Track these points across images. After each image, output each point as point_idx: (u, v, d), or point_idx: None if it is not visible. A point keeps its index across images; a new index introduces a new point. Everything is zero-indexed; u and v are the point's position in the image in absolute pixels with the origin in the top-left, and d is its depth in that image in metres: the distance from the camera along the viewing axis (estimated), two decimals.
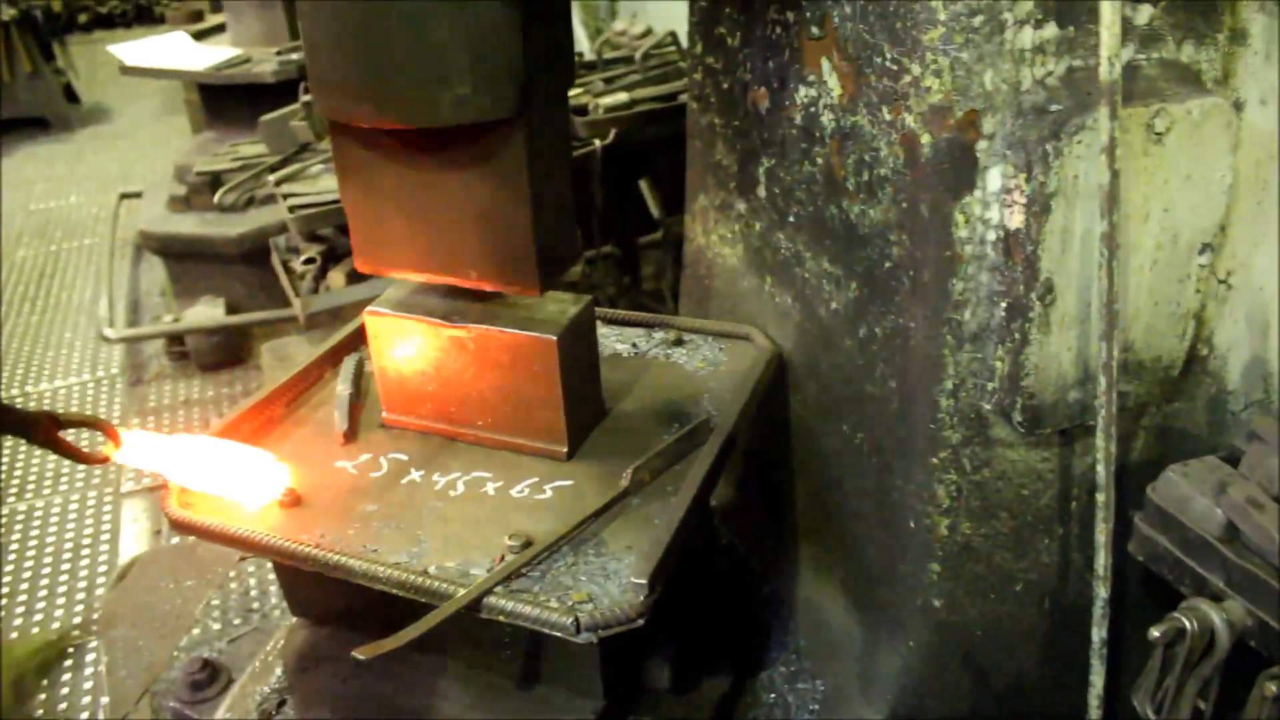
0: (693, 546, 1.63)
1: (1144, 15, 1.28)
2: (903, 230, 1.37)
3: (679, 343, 1.78)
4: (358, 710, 1.51)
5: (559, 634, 1.17)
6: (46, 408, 3.82)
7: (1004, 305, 1.33)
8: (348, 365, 1.71)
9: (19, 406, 1.33)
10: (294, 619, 1.64)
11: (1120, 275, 1.32)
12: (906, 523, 1.51)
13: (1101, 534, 1.39)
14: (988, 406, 1.41)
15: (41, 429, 1.31)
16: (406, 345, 1.52)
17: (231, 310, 3.86)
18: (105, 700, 2.14)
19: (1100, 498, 1.38)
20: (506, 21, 1.20)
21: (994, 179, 1.29)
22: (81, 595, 2.85)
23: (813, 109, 1.48)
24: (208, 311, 3.87)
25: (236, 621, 2.26)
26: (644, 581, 1.19)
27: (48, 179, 6.35)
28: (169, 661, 2.10)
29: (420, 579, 1.24)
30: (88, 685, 2.49)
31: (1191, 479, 1.30)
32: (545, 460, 1.49)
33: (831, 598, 1.75)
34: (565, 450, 1.48)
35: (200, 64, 4.09)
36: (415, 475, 1.48)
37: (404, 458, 1.52)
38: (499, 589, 1.23)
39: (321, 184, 2.96)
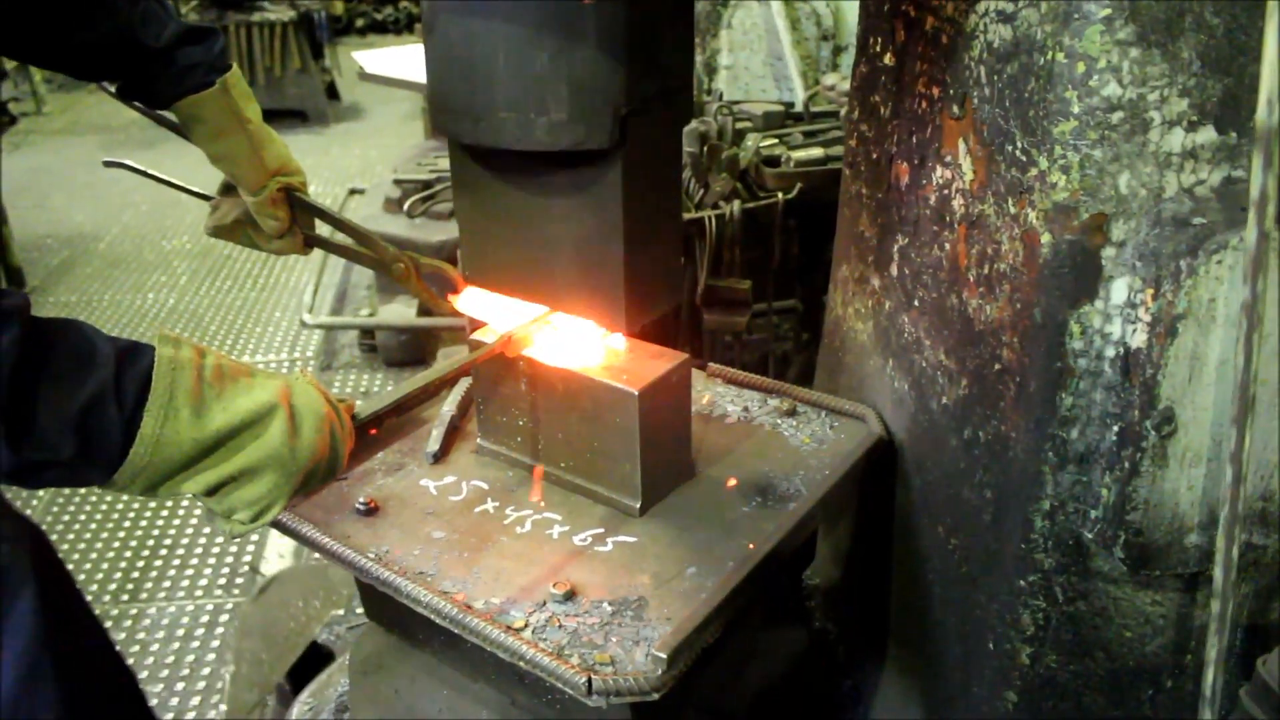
0: (750, 624, 1.59)
1: None
2: (1015, 333, 1.28)
3: (792, 413, 1.73)
4: None
5: (570, 691, 1.15)
6: None
7: (1116, 429, 1.22)
8: (460, 388, 1.75)
9: (385, 244, 1.67)
10: (368, 622, 1.69)
11: (1265, 415, 1.19)
12: (986, 643, 1.40)
13: (1208, 712, 1.25)
14: (1089, 535, 1.29)
15: (403, 266, 1.66)
16: (504, 375, 1.54)
17: (423, 313, 4.08)
18: (224, 708, 2.28)
19: (1210, 654, 1.24)
20: (608, 54, 1.21)
21: (1119, 291, 1.18)
22: (211, 563, 3.06)
23: (946, 191, 1.41)
24: (400, 310, 4.10)
25: (340, 612, 2.35)
26: (664, 656, 1.15)
27: None
28: (283, 675, 2.21)
29: (453, 609, 1.25)
30: (202, 685, 2.66)
31: None
32: (616, 513, 1.47)
33: (909, 706, 1.65)
34: (638, 505, 1.46)
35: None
36: (490, 506, 1.50)
37: (484, 486, 1.54)
38: (527, 634, 1.23)
39: None
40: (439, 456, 1.61)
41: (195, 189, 1.75)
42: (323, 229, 1.70)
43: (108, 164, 1.80)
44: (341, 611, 2.41)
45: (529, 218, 1.39)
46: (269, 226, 1.60)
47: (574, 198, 1.34)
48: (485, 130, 1.30)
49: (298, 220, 1.63)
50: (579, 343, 1.51)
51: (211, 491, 1.23)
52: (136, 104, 1.60)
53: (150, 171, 1.76)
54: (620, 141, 1.27)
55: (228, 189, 1.65)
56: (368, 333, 4.22)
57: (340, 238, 1.70)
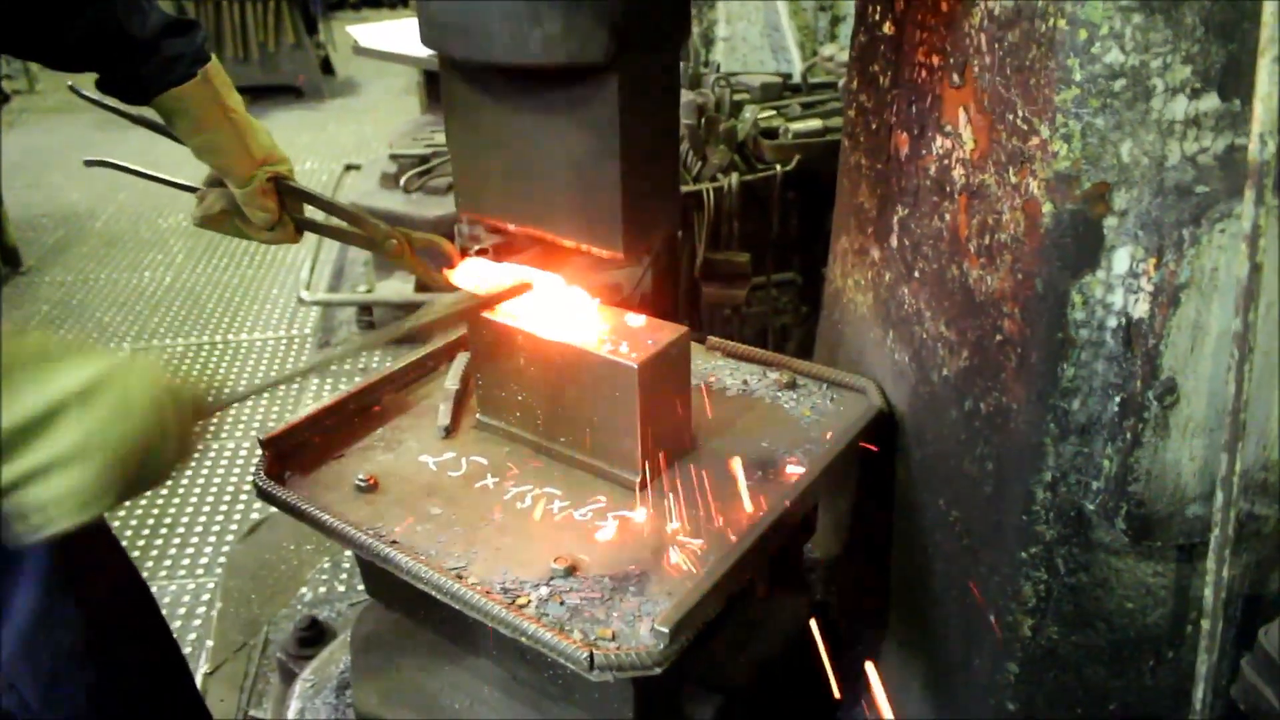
0: (751, 598, 1.59)
1: None
2: (1016, 303, 1.27)
3: (791, 386, 1.72)
4: (400, 699, 1.54)
5: (572, 666, 1.15)
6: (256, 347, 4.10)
7: (1118, 400, 1.22)
8: (460, 361, 1.75)
9: (376, 222, 1.64)
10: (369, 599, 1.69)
11: (1264, 383, 1.18)
12: (987, 615, 1.40)
13: (1203, 667, 1.26)
14: (1090, 506, 1.29)
15: (395, 243, 1.63)
16: (503, 350, 1.53)
17: (420, 288, 4.06)
18: (210, 644, 2.28)
19: (1205, 626, 1.24)
20: None
21: (1120, 260, 1.18)
22: (212, 542, 3.06)
23: (946, 161, 1.40)
24: (397, 287, 4.08)
25: (341, 589, 2.36)
26: (666, 630, 1.15)
27: (290, 144, 6.87)
28: (271, 618, 2.21)
29: (455, 585, 1.25)
30: (197, 625, 2.66)
31: None
32: (617, 487, 1.47)
33: (910, 679, 1.66)
34: (638, 480, 1.46)
35: (424, 50, 4.31)
36: (490, 482, 1.50)
37: (484, 461, 1.54)
38: (530, 610, 1.23)
39: None
40: (451, 430, 1.62)
41: (180, 181, 1.73)
42: (314, 212, 1.69)
43: (89, 163, 1.78)
44: (329, 563, 2.40)
45: (523, 139, 1.35)
46: (258, 218, 1.59)
47: (569, 116, 1.30)
48: (477, 45, 1.25)
49: (287, 207, 1.62)
50: (577, 316, 1.50)
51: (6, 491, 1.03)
52: (109, 102, 1.58)
53: (133, 167, 1.74)
54: (616, 56, 1.22)
55: (214, 180, 1.63)
56: (365, 309, 4.21)
57: (331, 220, 1.69)
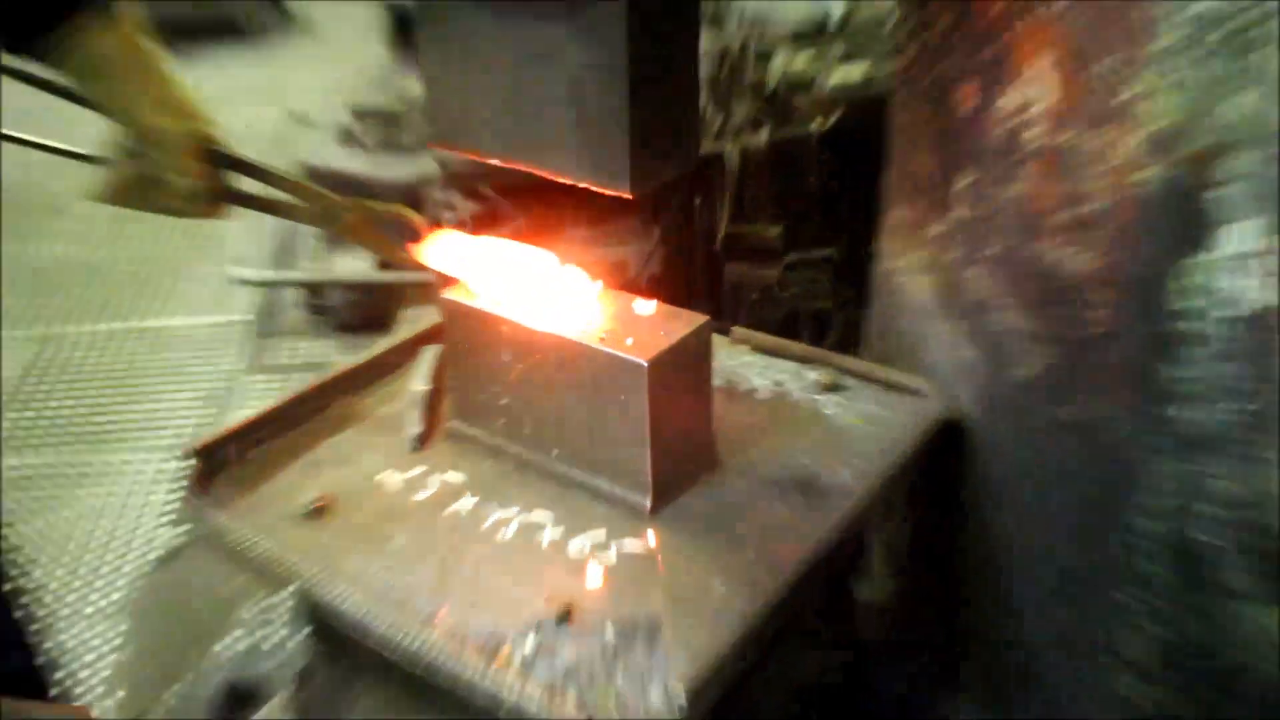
0: (787, 648, 1.57)
1: None
2: (1108, 289, 1.26)
3: (835, 388, 1.71)
4: None
5: None
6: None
7: (1235, 407, 1.20)
8: (427, 358, 1.74)
9: (327, 194, 1.58)
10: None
11: None
12: (1076, 670, 1.39)
13: None
14: (1204, 539, 1.27)
15: (352, 218, 1.57)
16: (483, 343, 1.52)
17: (383, 266, 4.02)
18: (121, 694, 2.26)
19: None
20: None
21: (1232, 238, 1.16)
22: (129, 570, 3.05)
23: (1022, 117, 1.38)
24: (354, 264, 4.04)
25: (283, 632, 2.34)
26: (683, 693, 1.14)
27: (229, 94, 6.85)
28: (193, 668, 2.19)
29: (419, 644, 1.24)
30: (106, 671, 2.65)
31: None
32: (622, 511, 1.45)
33: None
34: (648, 503, 1.44)
35: None
36: (465, 504, 1.48)
37: (460, 480, 1.53)
38: (516, 666, 1.22)
39: None
40: (420, 441, 1.61)
41: (77, 150, 1.71)
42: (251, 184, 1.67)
43: None
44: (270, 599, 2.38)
45: (518, 62, 1.35)
46: (183, 187, 1.57)
47: (571, 33, 1.28)
48: None
49: (216, 176, 1.61)
50: (574, 302, 1.49)
51: None
52: (16, 67, 1.57)
53: (18, 135, 1.72)
54: None
55: (122, 145, 1.61)
56: (316, 290, 4.18)
57: (271, 191, 1.67)
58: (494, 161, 1.46)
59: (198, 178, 1.58)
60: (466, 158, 1.63)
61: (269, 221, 4.58)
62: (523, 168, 1.43)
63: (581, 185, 1.38)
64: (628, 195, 1.35)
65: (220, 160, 1.59)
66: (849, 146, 2.91)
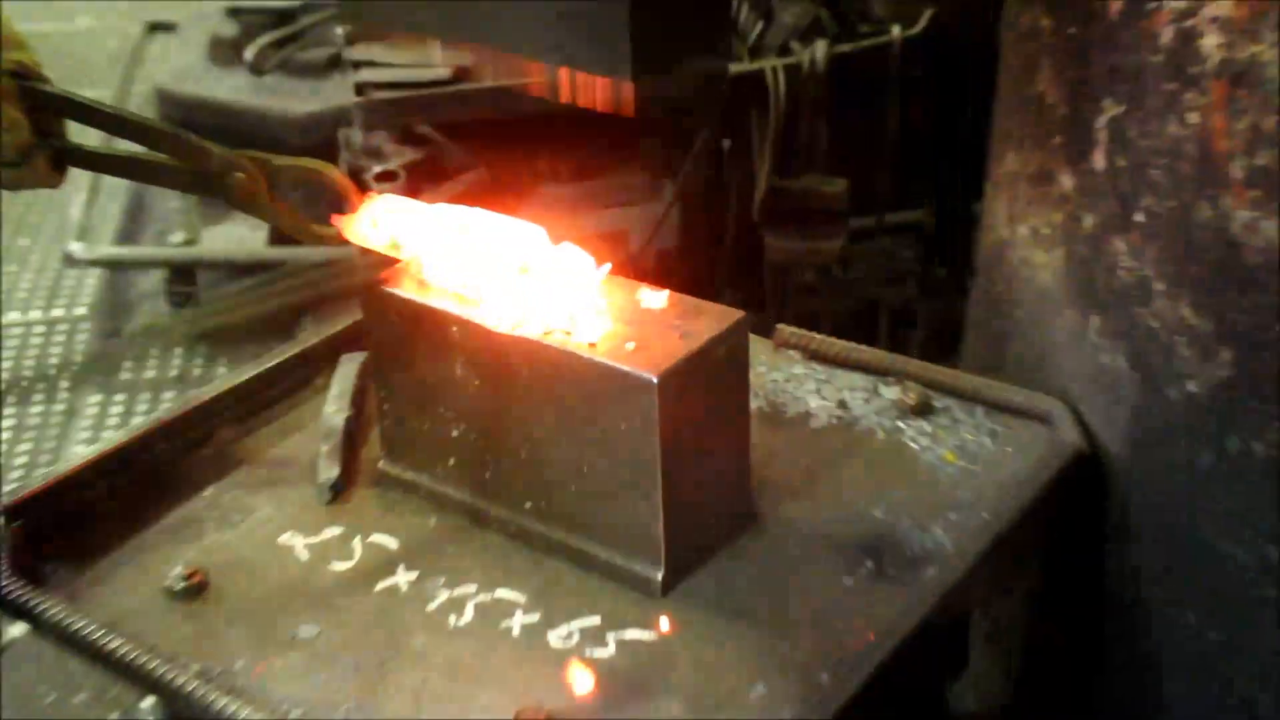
0: None
1: None
2: None
3: (923, 411, 1.70)
4: None
5: None
6: None
7: None
8: (345, 373, 1.72)
9: (202, 143, 1.53)
10: None
11: None
12: None
13: None
14: None
15: (243, 177, 1.55)
16: (427, 350, 1.50)
17: (282, 241, 3.98)
18: None
19: None
20: None
21: None
22: None
23: (1189, 23, 1.39)
24: (239, 234, 4.00)
25: None
26: None
27: None
28: None
29: None
30: None
31: None
32: (622, 590, 1.44)
33: None
34: (659, 576, 1.42)
35: None
36: (401, 579, 1.47)
37: (391, 544, 1.52)
38: None
39: (420, 52, 3.01)
40: (342, 488, 1.61)
41: None
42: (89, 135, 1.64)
43: None
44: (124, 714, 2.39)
45: None
46: None
47: None
48: None
49: (40, 126, 1.58)
50: (554, 291, 1.46)
51: None
52: None
53: None
54: None
55: None
56: (183, 272, 4.16)
57: (118, 145, 1.65)
58: (435, 40, 1.46)
59: (19, 126, 1.56)
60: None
61: (111, 180, 4.61)
62: (490, 48, 1.43)
63: (556, 67, 1.41)
64: (630, 103, 1.37)
65: (49, 102, 1.57)
66: (943, 64, 2.91)
